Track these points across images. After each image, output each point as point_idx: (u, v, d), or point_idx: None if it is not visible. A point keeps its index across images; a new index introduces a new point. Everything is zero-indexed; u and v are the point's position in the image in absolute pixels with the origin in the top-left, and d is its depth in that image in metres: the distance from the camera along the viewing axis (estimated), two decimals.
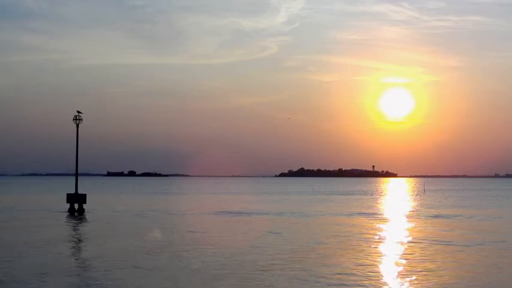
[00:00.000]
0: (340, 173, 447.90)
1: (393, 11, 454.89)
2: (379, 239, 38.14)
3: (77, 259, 29.72)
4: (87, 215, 58.14)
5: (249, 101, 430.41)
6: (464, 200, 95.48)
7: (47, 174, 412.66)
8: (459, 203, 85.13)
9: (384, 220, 54.14)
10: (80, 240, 38.57)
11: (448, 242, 36.31)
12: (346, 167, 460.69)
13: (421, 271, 25.37)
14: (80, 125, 63.39)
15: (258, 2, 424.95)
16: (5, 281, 22.79)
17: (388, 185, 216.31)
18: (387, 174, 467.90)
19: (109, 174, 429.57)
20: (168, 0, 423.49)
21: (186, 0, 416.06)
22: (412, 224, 49.13)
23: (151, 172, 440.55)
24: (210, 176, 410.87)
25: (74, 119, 63.43)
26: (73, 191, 63.83)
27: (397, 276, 24.48)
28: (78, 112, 63.57)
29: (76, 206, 61.32)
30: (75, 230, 45.46)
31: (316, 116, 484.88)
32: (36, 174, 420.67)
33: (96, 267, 26.03)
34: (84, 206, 61.31)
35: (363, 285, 22.30)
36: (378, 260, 29.00)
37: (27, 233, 41.66)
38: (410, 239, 38.03)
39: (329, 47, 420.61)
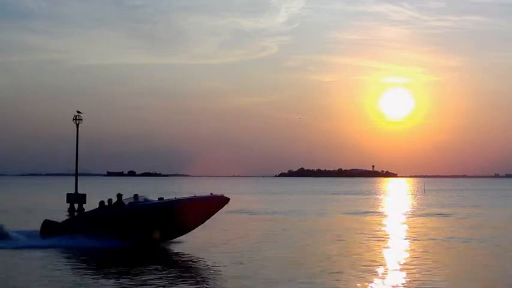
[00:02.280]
0: (340, 173, 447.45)
1: (393, 11, 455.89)
2: (381, 236, 38.50)
3: None
4: None
5: (249, 101, 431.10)
6: (464, 200, 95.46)
7: (47, 174, 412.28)
8: (459, 202, 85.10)
9: (386, 218, 54.46)
10: None
11: (449, 239, 36.64)
12: (346, 167, 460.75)
13: (423, 267, 25.53)
14: (80, 125, 63.42)
15: (258, 2, 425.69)
16: None
17: (389, 185, 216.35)
18: (387, 174, 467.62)
19: (109, 174, 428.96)
20: (168, 0, 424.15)
21: (186, 0, 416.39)
22: (413, 222, 49.46)
23: (151, 172, 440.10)
24: (210, 176, 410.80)
25: (74, 119, 63.47)
26: (73, 191, 63.79)
27: (400, 272, 24.54)
28: (78, 112, 63.58)
29: (76, 206, 61.30)
30: None
31: (316, 116, 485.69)
32: (36, 174, 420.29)
33: None
34: (84, 206, 61.27)
35: (366, 280, 22.42)
36: (381, 256, 29.37)
37: None
38: (411, 236, 38.46)
39: (329, 47, 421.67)
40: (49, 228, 33.18)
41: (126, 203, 32.84)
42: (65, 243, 31.01)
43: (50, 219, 34.76)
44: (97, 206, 33.94)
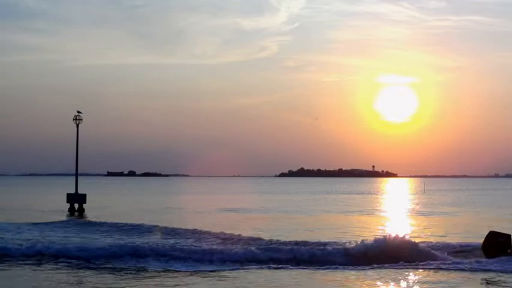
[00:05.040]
0: (340, 173, 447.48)
1: (393, 11, 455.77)
2: (382, 234, 38.77)
3: None
4: (87, 215, 58.05)
5: (249, 101, 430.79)
6: (464, 199, 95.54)
7: (47, 174, 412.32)
8: (459, 202, 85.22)
9: (387, 217, 54.80)
10: None
11: (449, 236, 36.86)
12: (346, 167, 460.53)
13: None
14: (80, 125, 63.38)
15: (258, 2, 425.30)
16: None
17: (389, 185, 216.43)
18: (387, 174, 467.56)
19: (109, 174, 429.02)
20: (168, 0, 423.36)
21: (186, 0, 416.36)
22: (414, 221, 49.59)
23: (151, 172, 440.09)
24: (210, 176, 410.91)
25: (74, 119, 63.39)
26: (73, 191, 63.78)
27: (400, 270, 24.69)
28: (78, 112, 63.53)
29: (76, 206, 61.26)
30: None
31: (316, 116, 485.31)
32: (36, 174, 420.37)
33: None
34: (84, 206, 61.23)
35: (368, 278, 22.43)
36: None
37: None
38: (412, 234, 38.66)
39: (329, 47, 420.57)
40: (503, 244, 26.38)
41: None
42: None
43: (495, 230, 27.95)
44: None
